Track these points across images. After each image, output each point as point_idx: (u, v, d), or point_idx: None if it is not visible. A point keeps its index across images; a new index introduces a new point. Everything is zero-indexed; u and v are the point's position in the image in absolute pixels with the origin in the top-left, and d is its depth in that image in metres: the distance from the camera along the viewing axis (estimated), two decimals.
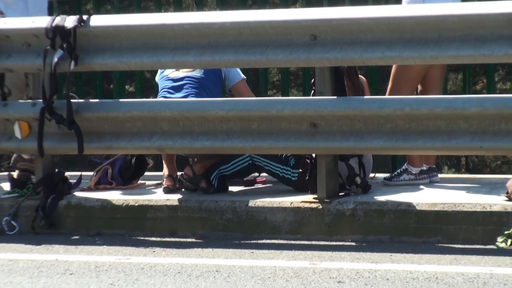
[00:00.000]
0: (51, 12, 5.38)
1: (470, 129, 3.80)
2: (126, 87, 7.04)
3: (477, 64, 6.33)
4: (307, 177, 4.13)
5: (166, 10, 8.64)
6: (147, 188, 4.88)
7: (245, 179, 4.51)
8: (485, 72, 6.46)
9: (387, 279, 3.19)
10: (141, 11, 6.43)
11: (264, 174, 4.69)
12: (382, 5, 4.69)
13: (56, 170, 4.49)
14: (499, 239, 3.58)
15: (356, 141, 3.92)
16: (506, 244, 3.56)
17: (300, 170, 4.27)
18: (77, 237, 4.24)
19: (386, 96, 4.31)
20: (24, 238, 4.22)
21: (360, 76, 4.48)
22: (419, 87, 4.51)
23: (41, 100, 4.07)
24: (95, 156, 5.34)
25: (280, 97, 5.54)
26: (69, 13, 5.55)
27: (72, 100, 4.08)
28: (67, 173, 4.59)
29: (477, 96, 4.88)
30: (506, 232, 3.59)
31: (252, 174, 4.69)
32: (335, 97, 3.90)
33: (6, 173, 5.01)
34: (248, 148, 4.15)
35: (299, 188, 4.26)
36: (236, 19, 4.08)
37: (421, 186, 4.49)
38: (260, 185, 4.67)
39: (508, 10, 3.63)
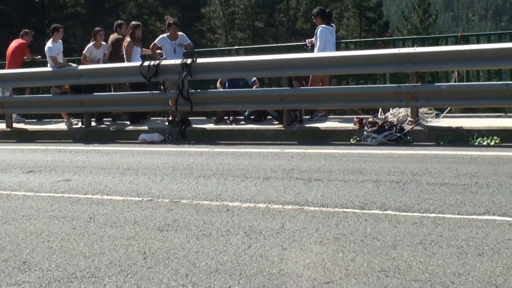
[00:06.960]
0: (183, 56, 8.63)
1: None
2: (211, 86, 9.11)
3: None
4: (279, 117, 7.51)
5: None
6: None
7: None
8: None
9: (308, 156, 5.63)
10: None
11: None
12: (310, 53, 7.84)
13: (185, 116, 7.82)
14: (351, 140, 6.73)
15: (298, 104, 7.35)
16: (354, 141, 6.71)
17: (277, 112, 7.55)
18: (193, 142, 7.42)
19: (312, 87, 7.63)
20: (173, 143, 7.51)
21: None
22: (320, 83, 7.75)
23: (177, 91, 7.67)
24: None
25: (266, 88, 8.74)
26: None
27: (190, 90, 7.61)
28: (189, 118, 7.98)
29: None
30: (353, 137, 6.73)
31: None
32: (290, 87, 7.41)
33: (165, 118, 8.37)
34: (251, 107, 7.73)
35: (277, 119, 7.59)
36: (251, 59, 7.70)
37: (324, 120, 7.65)
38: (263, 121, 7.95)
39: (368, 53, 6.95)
